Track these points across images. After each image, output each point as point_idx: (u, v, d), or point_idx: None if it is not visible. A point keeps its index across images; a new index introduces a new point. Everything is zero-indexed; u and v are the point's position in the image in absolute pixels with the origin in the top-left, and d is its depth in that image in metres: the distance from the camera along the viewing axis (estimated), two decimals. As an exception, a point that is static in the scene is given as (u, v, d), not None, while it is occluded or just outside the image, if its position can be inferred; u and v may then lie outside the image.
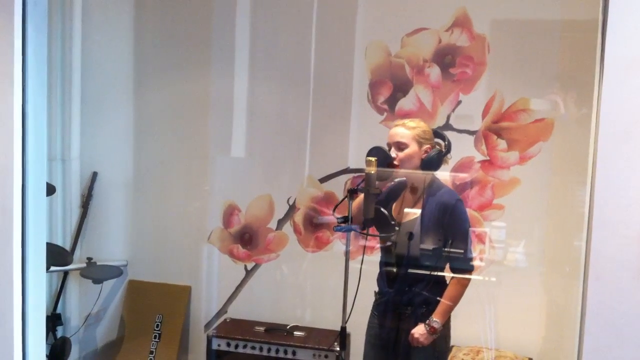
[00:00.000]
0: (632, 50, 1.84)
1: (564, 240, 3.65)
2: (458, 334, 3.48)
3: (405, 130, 3.04)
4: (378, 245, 3.28)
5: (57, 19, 4.28)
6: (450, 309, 3.06)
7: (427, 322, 3.03)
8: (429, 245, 3.06)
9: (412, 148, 3.03)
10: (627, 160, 1.86)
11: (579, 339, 1.98)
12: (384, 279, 3.19)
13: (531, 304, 3.77)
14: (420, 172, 3.06)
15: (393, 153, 3.02)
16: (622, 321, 1.90)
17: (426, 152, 3.05)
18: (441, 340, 3.10)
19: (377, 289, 3.25)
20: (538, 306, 3.78)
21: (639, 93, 1.85)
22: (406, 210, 3.11)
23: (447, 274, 3.10)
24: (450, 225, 3.05)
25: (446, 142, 3.12)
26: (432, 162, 3.05)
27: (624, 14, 1.84)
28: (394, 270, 3.14)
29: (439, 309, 3.05)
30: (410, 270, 3.11)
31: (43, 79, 2.38)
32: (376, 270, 3.24)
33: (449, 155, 3.13)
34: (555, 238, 3.75)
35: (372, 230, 3.16)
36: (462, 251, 3.06)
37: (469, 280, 3.06)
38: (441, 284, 3.10)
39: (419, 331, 3.04)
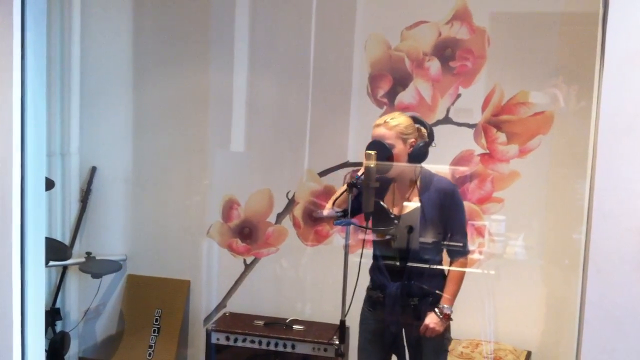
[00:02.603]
0: (633, 44, 1.84)
1: (563, 234, 3.65)
2: (457, 327, 3.49)
3: (388, 131, 3.03)
4: (376, 239, 3.28)
5: (57, 14, 4.28)
6: (455, 294, 3.10)
7: (438, 309, 3.07)
8: (430, 235, 3.08)
9: (398, 147, 3.03)
10: (627, 154, 1.86)
11: (578, 332, 1.98)
12: (385, 273, 3.19)
13: (530, 297, 3.78)
14: (412, 165, 3.07)
15: None
16: (622, 314, 1.90)
17: (412, 146, 3.05)
18: (447, 328, 3.15)
19: (370, 285, 3.24)
20: (537, 299, 3.79)
21: (640, 86, 1.85)
22: (405, 203, 3.11)
23: (447, 263, 3.14)
24: (451, 211, 3.09)
25: (428, 129, 3.12)
26: (419, 154, 3.07)
27: (625, 7, 1.84)
28: (397, 263, 3.14)
29: (446, 295, 3.09)
30: (413, 263, 3.12)
31: (42, 73, 2.37)
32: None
33: (433, 144, 3.13)
34: (554, 231, 3.75)
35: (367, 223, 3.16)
36: (463, 238, 3.12)
37: (466, 264, 3.13)
38: (443, 271, 3.16)
39: (433, 320, 3.07)
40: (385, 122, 3.06)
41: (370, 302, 3.24)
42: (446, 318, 3.07)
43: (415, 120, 3.12)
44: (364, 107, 3.97)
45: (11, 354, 2.32)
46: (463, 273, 3.11)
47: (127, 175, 4.49)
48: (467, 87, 3.79)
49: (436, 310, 3.07)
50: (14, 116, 2.26)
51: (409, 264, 3.12)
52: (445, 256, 3.17)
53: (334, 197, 3.17)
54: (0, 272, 2.29)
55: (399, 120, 3.06)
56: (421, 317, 3.10)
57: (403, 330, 3.24)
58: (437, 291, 3.11)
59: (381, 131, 3.04)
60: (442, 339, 3.14)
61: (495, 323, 3.79)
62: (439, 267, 3.15)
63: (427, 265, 3.13)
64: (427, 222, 3.06)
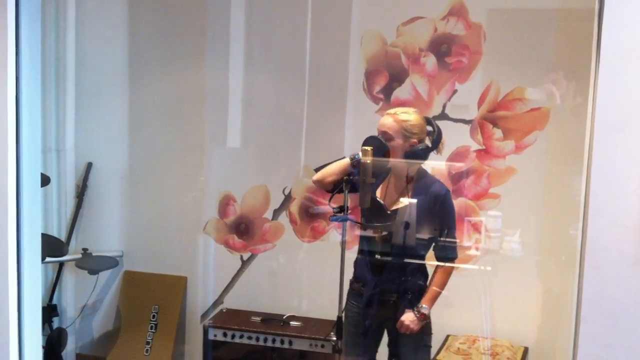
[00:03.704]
0: (628, 40, 1.84)
1: (559, 229, 3.65)
2: (454, 323, 3.50)
3: (393, 122, 3.04)
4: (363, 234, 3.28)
5: (51, 10, 4.26)
6: (437, 295, 3.11)
7: (416, 308, 3.07)
8: (418, 234, 3.08)
9: (397, 141, 3.03)
10: (623, 149, 1.86)
11: (575, 328, 1.99)
12: (369, 267, 3.20)
13: (527, 293, 3.78)
14: (410, 162, 3.07)
15: None
16: (618, 309, 1.90)
17: (411, 145, 3.05)
18: (426, 325, 3.16)
19: (352, 277, 3.25)
20: (534, 295, 3.79)
21: (635, 82, 1.85)
22: (400, 199, 3.11)
23: (433, 262, 3.15)
24: (440, 215, 3.10)
25: (435, 133, 3.11)
26: (415, 156, 3.06)
27: (620, 3, 1.84)
28: (382, 258, 3.15)
29: (428, 295, 3.10)
30: (397, 258, 3.14)
31: (37, 70, 2.37)
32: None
33: (441, 145, 3.13)
34: (551, 227, 3.76)
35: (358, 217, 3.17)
36: (451, 240, 3.12)
37: (453, 267, 3.13)
38: (425, 271, 3.17)
39: (409, 318, 3.08)
40: (395, 113, 3.07)
41: (353, 295, 3.25)
42: (423, 318, 3.08)
43: (428, 122, 3.13)
44: (360, 103, 3.97)
45: (8, 351, 2.32)
46: (448, 276, 3.12)
47: (123, 172, 4.48)
48: (463, 83, 3.79)
49: (414, 309, 3.08)
50: (9, 112, 2.25)
51: (394, 260, 3.13)
52: (430, 256, 3.18)
53: (329, 170, 3.13)
54: (-4, 269, 2.29)
55: (409, 116, 3.06)
56: (400, 314, 3.11)
57: (384, 324, 3.26)
58: (418, 289, 3.12)
59: (387, 120, 3.06)
60: (422, 335, 3.15)
61: (492, 319, 3.80)
62: (422, 265, 3.16)
63: (411, 263, 3.14)
64: (416, 221, 3.07)
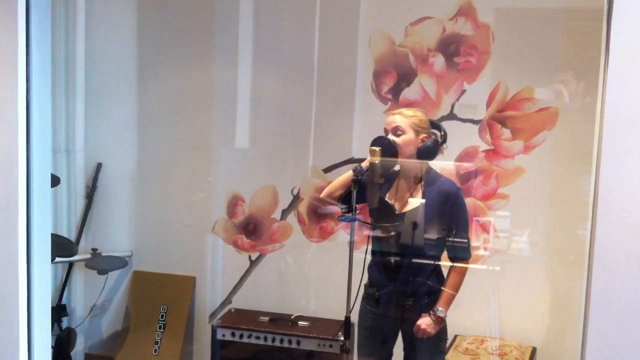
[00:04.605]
0: (637, 39, 1.83)
1: (568, 229, 3.65)
2: (462, 323, 3.49)
3: (403, 118, 3.05)
4: (376, 235, 3.27)
5: (61, 11, 4.28)
6: (453, 297, 3.08)
7: (432, 312, 3.05)
8: (431, 234, 3.07)
9: (409, 135, 3.03)
10: (632, 149, 1.86)
11: (583, 328, 1.98)
12: (381, 270, 3.19)
13: (535, 293, 3.78)
14: (417, 161, 3.07)
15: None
16: (626, 310, 1.89)
17: (422, 140, 3.06)
18: (442, 330, 3.13)
19: (367, 281, 3.23)
20: (542, 295, 3.79)
21: (644, 82, 1.85)
22: (410, 200, 3.11)
23: (447, 263, 3.12)
24: (452, 213, 3.08)
25: (442, 132, 3.13)
26: (428, 151, 3.07)
27: (629, 2, 1.83)
28: (395, 261, 3.14)
29: (443, 298, 3.07)
30: (411, 261, 3.12)
31: (47, 70, 2.38)
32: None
33: (445, 145, 3.13)
34: (559, 227, 3.75)
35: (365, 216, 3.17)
36: (463, 240, 3.09)
37: (467, 267, 3.10)
38: (441, 273, 3.14)
39: (425, 322, 3.06)
40: (400, 111, 3.10)
41: (367, 300, 3.23)
42: (439, 321, 3.06)
43: (433, 124, 3.15)
44: (369, 103, 3.97)
45: (18, 350, 2.33)
46: (462, 276, 3.09)
47: (133, 172, 4.50)
48: (472, 83, 3.79)
49: (430, 312, 3.06)
50: (19, 113, 2.26)
51: (408, 262, 3.12)
52: (444, 258, 3.15)
53: (334, 185, 3.17)
54: (7, 269, 2.30)
55: (415, 113, 3.09)
56: (416, 317, 3.09)
57: (399, 329, 3.23)
58: (434, 292, 3.10)
59: (396, 117, 3.07)
60: (438, 340, 3.13)
61: (500, 319, 3.79)
62: (437, 267, 3.14)
63: (425, 265, 3.11)
64: (428, 222, 3.06)
